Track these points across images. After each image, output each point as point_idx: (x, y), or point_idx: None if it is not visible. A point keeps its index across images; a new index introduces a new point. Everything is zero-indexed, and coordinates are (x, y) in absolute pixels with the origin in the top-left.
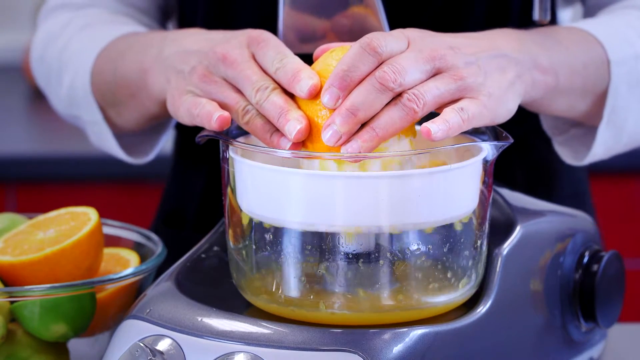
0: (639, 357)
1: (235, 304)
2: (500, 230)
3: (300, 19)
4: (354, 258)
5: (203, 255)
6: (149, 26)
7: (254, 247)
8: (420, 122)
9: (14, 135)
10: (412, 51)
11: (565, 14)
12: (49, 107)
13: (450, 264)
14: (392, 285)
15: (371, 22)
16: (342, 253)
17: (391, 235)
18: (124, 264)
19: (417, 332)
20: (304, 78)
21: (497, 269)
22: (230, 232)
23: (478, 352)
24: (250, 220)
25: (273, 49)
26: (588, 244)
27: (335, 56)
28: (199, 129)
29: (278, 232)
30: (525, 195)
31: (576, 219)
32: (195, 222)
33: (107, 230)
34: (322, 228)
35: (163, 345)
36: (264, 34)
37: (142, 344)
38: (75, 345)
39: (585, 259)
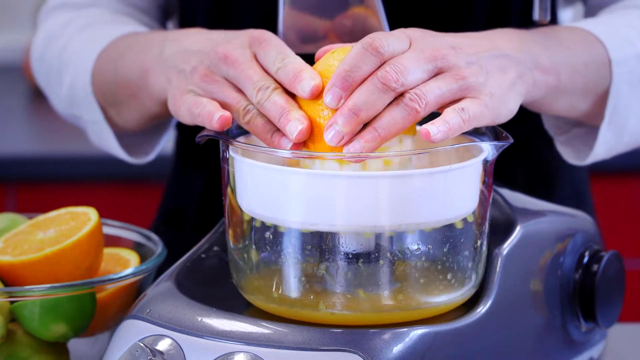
0: (639, 357)
1: (235, 304)
2: (500, 230)
3: (301, 19)
4: (354, 258)
5: (203, 255)
6: (150, 26)
7: (254, 247)
8: (421, 122)
9: (14, 135)
10: (413, 51)
11: (566, 14)
12: (49, 107)
13: (451, 264)
14: (392, 285)
15: (372, 22)
16: (342, 253)
17: (391, 235)
18: (124, 264)
19: (417, 332)
20: (305, 78)
21: (497, 269)
22: (230, 232)
23: (478, 352)
24: (250, 220)
25: (274, 49)
26: (588, 244)
27: (336, 56)
28: (199, 128)
29: (278, 232)
30: (525, 195)
31: (576, 219)
32: (196, 222)
33: (107, 230)
34: (322, 228)
35: (163, 345)
36: (265, 34)
37: (142, 344)
38: (75, 345)
39: (585, 259)
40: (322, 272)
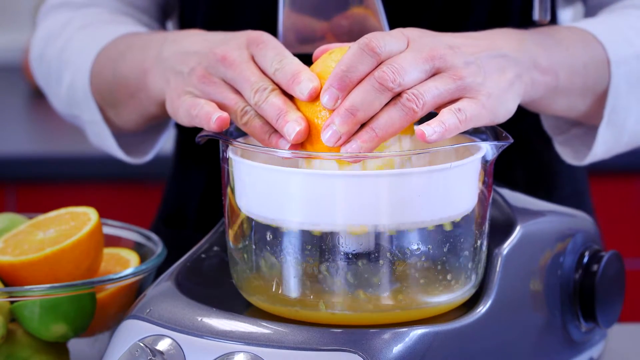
0: (639, 357)
1: (235, 304)
2: (500, 230)
3: (300, 19)
4: (353, 258)
5: (203, 255)
6: (149, 25)
7: (253, 247)
8: (419, 122)
9: (14, 135)
10: (411, 51)
11: (566, 14)
12: (49, 107)
13: (450, 264)
14: (392, 285)
15: (371, 22)
16: (342, 253)
17: (391, 235)
18: (124, 264)
19: (417, 332)
20: (303, 80)
21: (497, 269)
22: (230, 232)
23: (478, 352)
24: (250, 220)
25: (272, 50)
26: (588, 244)
27: (334, 57)
28: (199, 128)
29: (278, 232)
30: (525, 195)
31: (576, 219)
32: (196, 222)
33: (107, 230)
34: (321, 227)
35: (163, 345)
36: (263, 35)
37: (142, 344)
38: (75, 345)
39: (585, 259)
40: (322, 272)
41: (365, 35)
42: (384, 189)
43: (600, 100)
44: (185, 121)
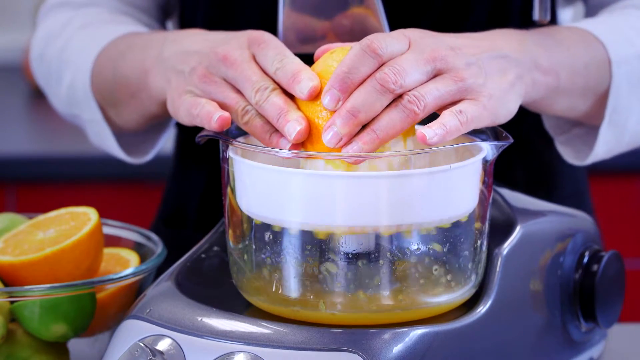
0: (639, 357)
1: (235, 304)
2: (500, 230)
3: (300, 19)
4: (354, 258)
5: (203, 255)
6: (149, 25)
7: (254, 247)
8: (421, 123)
9: (14, 135)
10: (412, 52)
11: (566, 14)
12: (49, 107)
13: (450, 264)
14: (392, 285)
15: (371, 22)
16: (342, 253)
17: (391, 235)
18: (124, 264)
19: (417, 332)
20: (304, 79)
21: (497, 269)
22: (230, 232)
23: (478, 352)
24: (250, 220)
25: (273, 50)
26: (588, 244)
27: (335, 57)
28: (200, 127)
29: (278, 232)
30: (525, 195)
31: (576, 219)
32: (196, 222)
33: (107, 230)
34: (322, 228)
35: (163, 345)
36: (264, 35)
37: (142, 344)
38: (75, 345)
39: (585, 259)
40: (322, 272)
41: (367, 37)
42: (385, 190)
43: (602, 101)
44: (186, 121)
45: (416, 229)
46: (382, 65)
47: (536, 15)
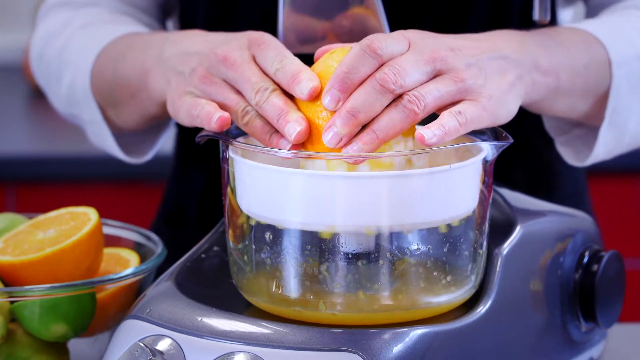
0: (639, 357)
1: (235, 304)
2: (500, 230)
3: (300, 20)
4: (354, 258)
5: (203, 255)
6: (149, 25)
7: (253, 247)
8: (421, 123)
9: (14, 135)
10: (412, 53)
11: (566, 14)
12: (49, 107)
13: (450, 264)
14: (392, 285)
15: (371, 23)
16: (342, 253)
17: (391, 235)
18: (124, 264)
19: (417, 332)
20: (304, 80)
21: (497, 269)
22: (230, 232)
23: (478, 352)
24: (250, 220)
25: (273, 50)
26: (588, 244)
27: (335, 57)
28: (200, 128)
29: (278, 232)
30: (525, 195)
31: (576, 219)
32: (196, 222)
33: (107, 230)
34: (322, 228)
35: (163, 345)
36: (264, 36)
37: (142, 344)
38: (75, 345)
39: (585, 259)
40: (322, 272)
41: (367, 37)
42: (385, 190)
43: (602, 101)
44: (186, 121)
45: (416, 229)
46: (382, 65)
47: (536, 15)
